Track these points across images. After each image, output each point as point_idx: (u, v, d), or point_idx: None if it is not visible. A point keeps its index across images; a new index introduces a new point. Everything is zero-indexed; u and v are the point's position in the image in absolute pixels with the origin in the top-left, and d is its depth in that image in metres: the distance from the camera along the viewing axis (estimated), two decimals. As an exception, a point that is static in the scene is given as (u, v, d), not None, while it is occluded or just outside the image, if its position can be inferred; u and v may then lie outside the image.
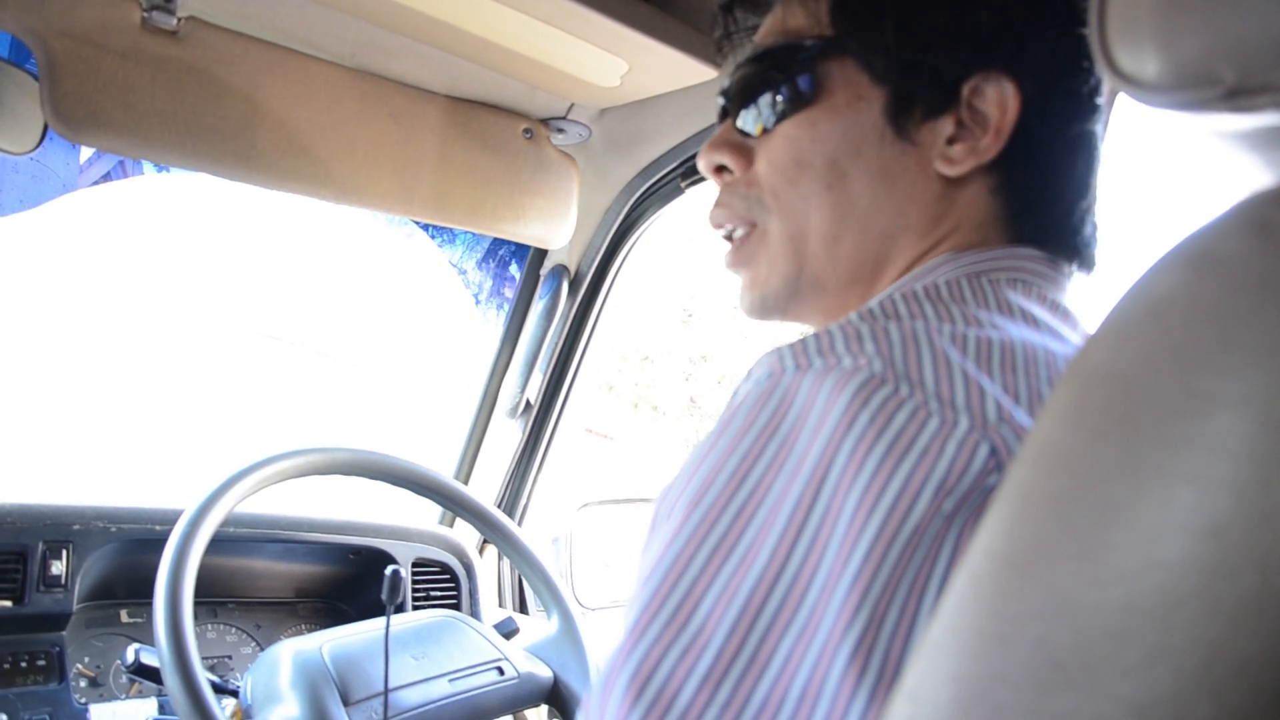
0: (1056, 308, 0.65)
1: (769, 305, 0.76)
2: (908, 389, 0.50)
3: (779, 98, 0.72)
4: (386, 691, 1.21)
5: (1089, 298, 0.71)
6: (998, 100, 0.66)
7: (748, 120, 0.75)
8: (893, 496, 0.47)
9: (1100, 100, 0.71)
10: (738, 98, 0.76)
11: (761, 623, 0.47)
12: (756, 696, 0.46)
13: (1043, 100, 0.67)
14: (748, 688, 0.47)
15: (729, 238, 0.79)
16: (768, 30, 0.76)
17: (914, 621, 0.46)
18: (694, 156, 1.55)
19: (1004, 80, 0.66)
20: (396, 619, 1.36)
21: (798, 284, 0.74)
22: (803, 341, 0.54)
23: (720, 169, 0.78)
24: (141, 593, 1.38)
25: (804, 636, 0.47)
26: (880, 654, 0.45)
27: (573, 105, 1.52)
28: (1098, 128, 0.71)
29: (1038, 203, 0.69)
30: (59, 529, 1.36)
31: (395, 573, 1.25)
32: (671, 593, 0.50)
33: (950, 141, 0.68)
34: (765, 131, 0.73)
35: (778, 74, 0.72)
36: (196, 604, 1.11)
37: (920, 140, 0.69)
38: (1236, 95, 0.37)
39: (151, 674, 1.11)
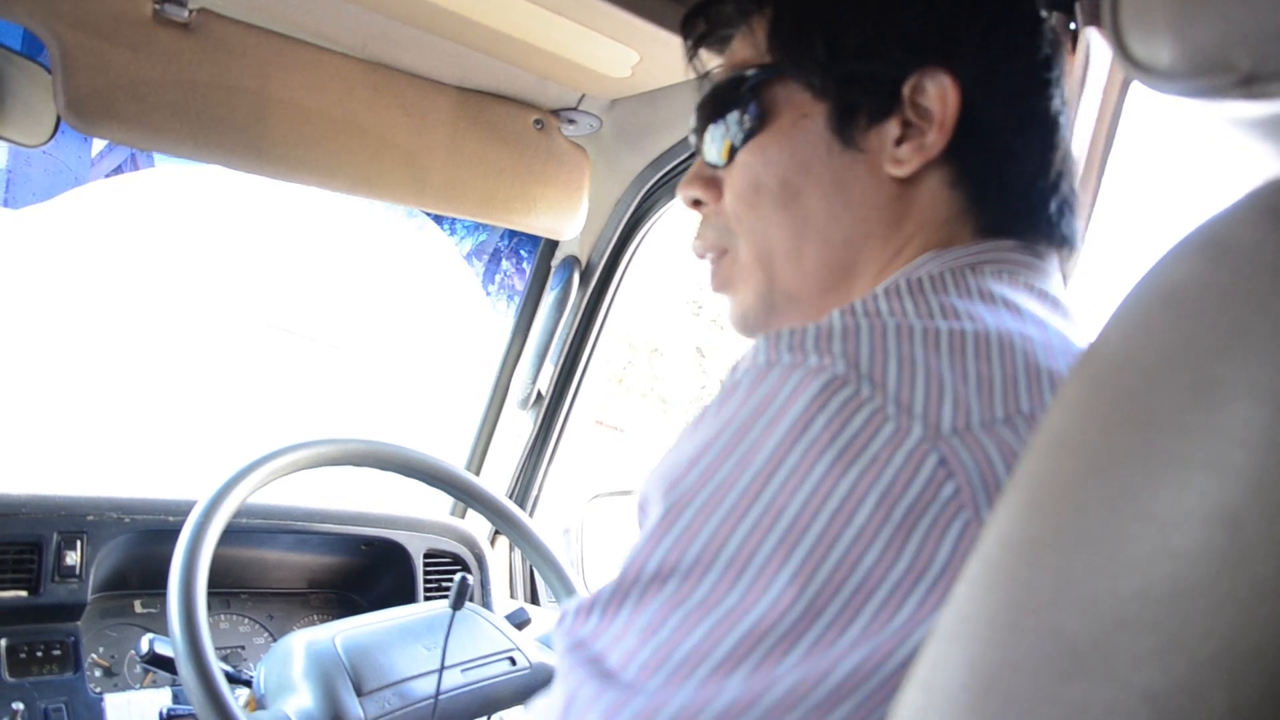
0: (1044, 296, 0.66)
1: (750, 322, 0.79)
2: (869, 390, 0.51)
3: (732, 128, 0.75)
4: (438, 696, 1.22)
5: (1092, 290, 0.71)
6: (938, 95, 0.67)
7: (712, 153, 0.77)
8: (838, 501, 0.49)
9: (1049, 75, 0.71)
10: (700, 134, 0.79)
11: (697, 595, 0.50)
12: (679, 650, 0.50)
13: (984, 86, 0.68)
14: (679, 679, 0.49)
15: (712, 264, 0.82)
16: (723, 67, 0.80)
17: (853, 620, 0.48)
18: (705, 147, 1.55)
19: (941, 74, 0.67)
20: (407, 609, 1.37)
21: (771, 300, 0.76)
22: (778, 334, 0.55)
23: (697, 202, 0.81)
24: (155, 583, 1.39)
25: (734, 613, 0.49)
26: (807, 644, 0.47)
27: (583, 96, 1.51)
28: (1050, 103, 0.71)
29: (996, 188, 0.70)
30: (73, 520, 1.37)
31: (463, 579, 1.27)
32: (634, 582, 0.53)
33: (899, 143, 0.69)
34: (728, 162, 0.76)
35: (728, 105, 0.75)
36: (210, 594, 1.11)
37: (868, 146, 0.70)
38: (1251, 82, 0.37)
39: (166, 664, 1.11)
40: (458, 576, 1.28)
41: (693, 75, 0.85)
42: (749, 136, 0.74)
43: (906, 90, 0.68)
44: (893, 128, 0.69)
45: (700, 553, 0.50)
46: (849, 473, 0.49)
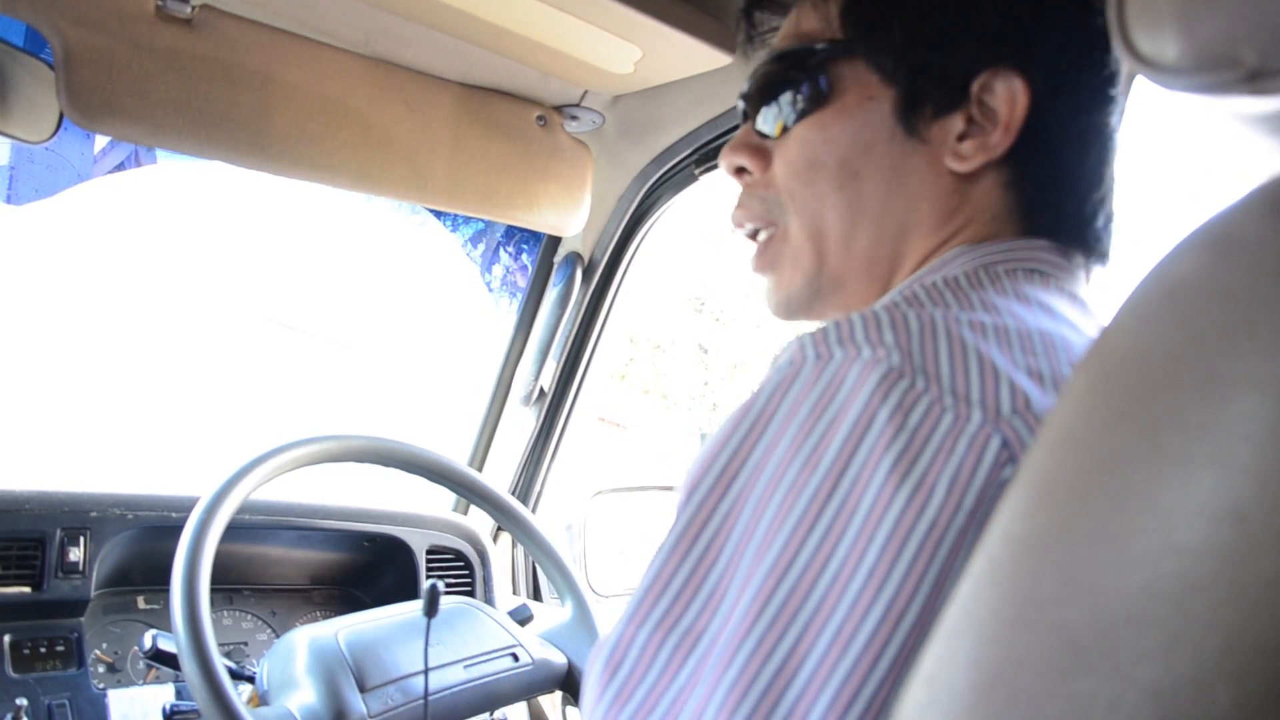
0: (1074, 299, 0.65)
1: (793, 305, 0.78)
2: (924, 382, 0.50)
3: (793, 100, 0.73)
4: (427, 698, 1.22)
5: (1105, 289, 0.71)
6: (1007, 96, 0.67)
7: (765, 122, 0.76)
8: (908, 493, 0.48)
9: (1114, 92, 0.70)
10: (755, 100, 0.77)
11: (771, 607, 0.48)
12: (764, 676, 0.47)
13: (1053, 94, 0.67)
14: (754, 668, 0.47)
15: (752, 237, 0.81)
16: (784, 33, 0.78)
17: (935, 618, 0.46)
18: (708, 143, 1.55)
19: (1012, 76, 0.66)
20: (410, 605, 1.37)
21: (819, 282, 0.75)
22: (824, 330, 0.55)
23: (740, 170, 0.79)
24: (158, 579, 1.39)
25: (813, 624, 0.47)
26: (895, 648, 0.46)
27: (586, 92, 1.51)
28: (1111, 119, 0.71)
29: (1050, 196, 0.69)
30: (77, 516, 1.37)
31: (433, 586, 1.27)
32: (676, 573, 0.52)
33: (961, 138, 0.68)
34: (782, 133, 0.74)
35: (791, 77, 0.73)
36: (213, 590, 1.12)
37: (931, 138, 0.69)
38: (1258, 78, 0.37)
39: (169, 660, 1.11)
40: (427, 584, 1.26)
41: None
42: (809, 110, 0.72)
43: (975, 87, 0.67)
44: (957, 122, 0.68)
45: (768, 569, 0.49)
46: (915, 468, 0.48)
